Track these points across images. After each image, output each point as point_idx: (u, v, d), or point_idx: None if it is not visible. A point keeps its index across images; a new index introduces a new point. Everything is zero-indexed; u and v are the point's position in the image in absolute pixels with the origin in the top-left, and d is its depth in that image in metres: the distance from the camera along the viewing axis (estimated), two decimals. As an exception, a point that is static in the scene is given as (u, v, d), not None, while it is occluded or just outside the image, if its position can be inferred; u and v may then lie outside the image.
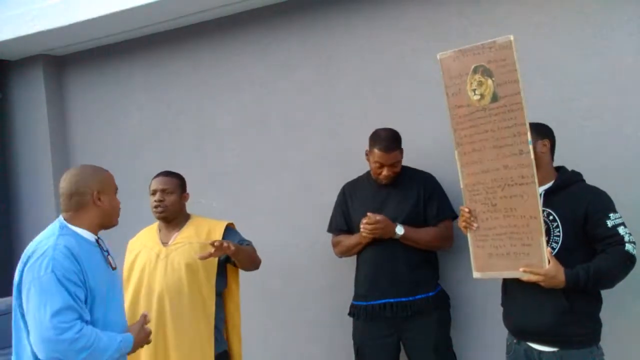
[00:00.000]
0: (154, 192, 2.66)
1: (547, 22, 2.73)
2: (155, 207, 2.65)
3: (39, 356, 1.86)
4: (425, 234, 2.70)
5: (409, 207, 2.74)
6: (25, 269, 1.92)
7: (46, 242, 1.95)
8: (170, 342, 2.55)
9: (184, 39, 3.71)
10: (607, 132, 2.63)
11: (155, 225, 2.77)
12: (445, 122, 2.94)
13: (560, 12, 2.73)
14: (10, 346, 2.03)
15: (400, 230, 2.65)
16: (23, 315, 1.93)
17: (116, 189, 2.18)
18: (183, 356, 2.54)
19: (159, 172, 2.78)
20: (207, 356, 2.55)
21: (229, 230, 2.70)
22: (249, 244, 2.70)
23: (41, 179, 4.12)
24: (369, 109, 3.14)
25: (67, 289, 1.86)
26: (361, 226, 2.65)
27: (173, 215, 2.67)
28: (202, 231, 2.65)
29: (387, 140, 2.67)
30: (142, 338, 2.11)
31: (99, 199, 2.06)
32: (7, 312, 2.53)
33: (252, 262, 2.67)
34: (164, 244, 2.65)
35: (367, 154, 2.79)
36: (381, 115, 2.96)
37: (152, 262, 2.62)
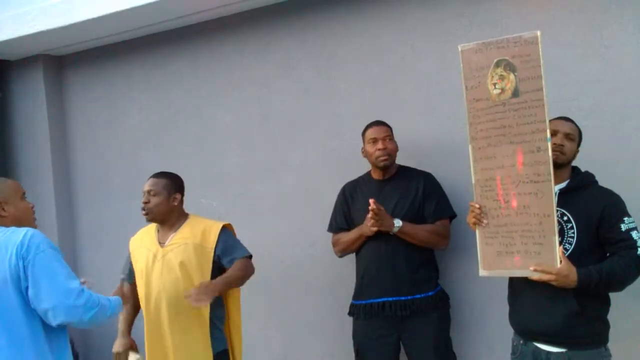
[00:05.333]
0: (143, 194, 2.67)
1: (547, 22, 2.72)
2: (141, 209, 2.65)
3: (56, 321, 1.99)
4: (421, 230, 2.70)
5: (408, 205, 2.75)
6: (22, 252, 1.97)
7: (16, 232, 2.02)
8: (168, 342, 2.56)
9: (184, 39, 3.71)
10: (608, 132, 2.63)
11: (155, 224, 2.76)
12: (445, 123, 2.97)
13: (561, 12, 2.73)
14: None
15: (398, 223, 2.66)
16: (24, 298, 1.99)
17: (22, 193, 2.22)
18: (182, 356, 2.54)
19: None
20: (205, 355, 2.55)
21: (224, 231, 2.68)
22: (242, 255, 2.64)
23: (41, 179, 4.12)
24: (369, 109, 3.14)
25: (64, 262, 2.07)
26: (368, 215, 2.63)
27: (160, 217, 2.65)
28: (197, 231, 2.64)
29: (376, 120, 2.82)
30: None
31: (3, 209, 2.12)
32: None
33: (243, 281, 2.64)
34: (161, 244, 2.65)
35: (362, 150, 2.85)
36: (381, 115, 2.96)
37: (150, 263, 2.62)
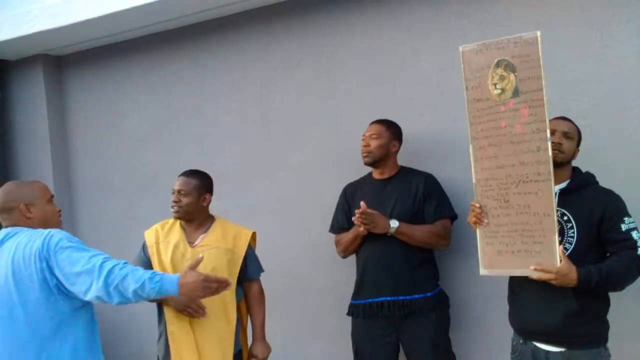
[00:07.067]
0: (172, 192, 2.63)
1: (547, 22, 2.73)
2: (171, 206, 2.62)
3: (92, 299, 2.01)
4: (419, 230, 2.70)
5: (408, 205, 2.75)
6: (44, 254, 1.99)
7: (40, 235, 2.03)
8: (192, 342, 2.52)
9: (184, 39, 3.71)
10: (607, 132, 2.63)
11: (177, 221, 2.69)
12: (445, 123, 2.96)
13: (561, 12, 2.73)
14: None
15: (394, 223, 2.66)
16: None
17: (49, 196, 2.21)
18: (204, 356, 2.52)
19: (184, 170, 2.73)
20: (226, 357, 2.56)
21: (250, 249, 2.68)
22: (257, 275, 2.75)
23: (41, 179, 4.09)
24: (369, 109, 3.14)
25: (85, 247, 2.08)
26: (353, 218, 2.66)
27: (189, 217, 2.62)
28: (229, 236, 2.63)
29: (377, 119, 2.85)
30: (194, 285, 2.06)
31: (29, 211, 2.13)
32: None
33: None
34: (190, 243, 2.61)
35: None
36: (381, 115, 2.96)
37: (177, 261, 2.56)
